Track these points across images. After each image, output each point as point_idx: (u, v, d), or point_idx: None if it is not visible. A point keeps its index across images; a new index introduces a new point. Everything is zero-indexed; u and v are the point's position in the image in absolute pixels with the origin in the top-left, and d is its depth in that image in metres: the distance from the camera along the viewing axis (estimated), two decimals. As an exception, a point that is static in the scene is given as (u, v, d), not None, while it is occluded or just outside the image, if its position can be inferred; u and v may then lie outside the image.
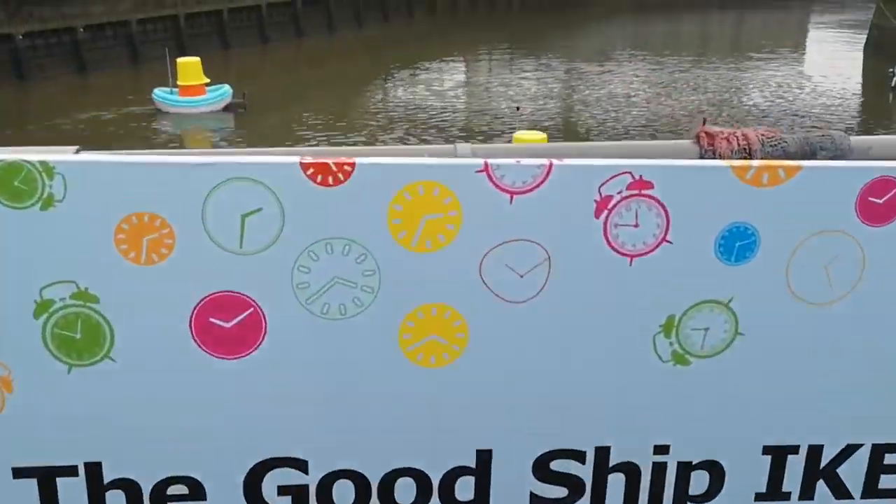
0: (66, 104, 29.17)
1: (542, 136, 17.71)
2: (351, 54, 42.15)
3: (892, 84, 30.31)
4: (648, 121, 26.37)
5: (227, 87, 26.79)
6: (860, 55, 39.57)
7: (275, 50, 42.21)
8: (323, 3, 46.92)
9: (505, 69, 37.66)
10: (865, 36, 41.71)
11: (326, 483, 1.69)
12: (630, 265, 1.60)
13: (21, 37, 32.39)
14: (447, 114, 27.68)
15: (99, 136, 24.91)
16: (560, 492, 1.76)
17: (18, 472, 1.61)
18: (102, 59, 35.22)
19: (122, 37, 36.37)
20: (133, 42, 36.66)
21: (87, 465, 1.62)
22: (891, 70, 31.39)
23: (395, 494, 1.72)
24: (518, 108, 19.82)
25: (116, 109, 27.88)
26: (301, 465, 1.68)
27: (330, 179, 1.50)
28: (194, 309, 1.56)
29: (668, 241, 1.59)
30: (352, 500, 1.71)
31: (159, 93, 26.75)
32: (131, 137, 24.69)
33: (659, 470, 1.75)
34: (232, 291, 1.55)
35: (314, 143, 24.12)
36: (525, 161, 1.55)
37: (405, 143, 23.84)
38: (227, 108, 26.62)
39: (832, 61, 38.08)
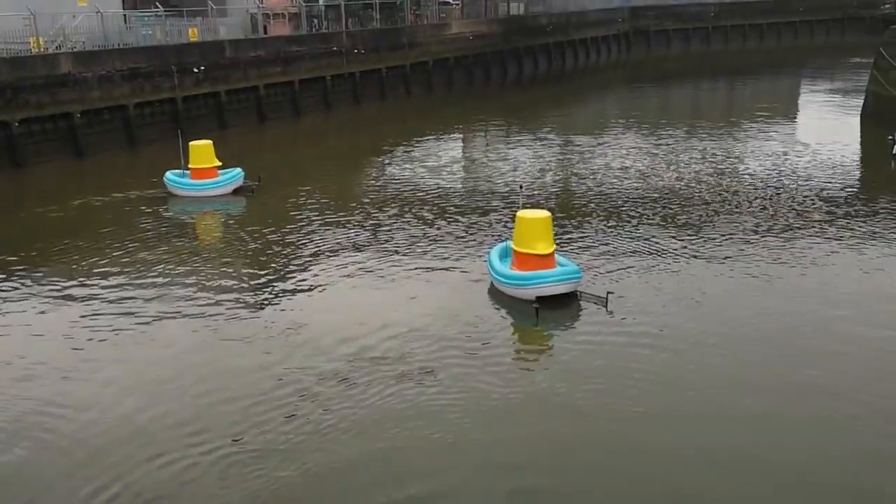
0: (63, 189, 28.66)
1: (546, 214, 17.00)
2: (348, 132, 41.95)
3: (893, 151, 29.91)
4: (645, 192, 25.77)
5: (239, 170, 26.41)
6: (856, 122, 39.35)
7: (273, 129, 42.03)
8: (320, 82, 47.01)
9: (501, 143, 37.38)
10: (860, 103, 41.66)
11: None
12: None
13: (17, 123, 32.11)
14: (443, 191, 27.14)
15: (91, 223, 24.22)
16: None
17: None
18: (98, 143, 34.87)
19: (118, 120, 36.09)
20: (130, 125, 36.39)
21: None
22: (890, 137, 31.04)
23: None
24: (521, 188, 19.32)
25: (115, 194, 27.32)
26: None
27: None
28: None
29: None
30: None
31: (171, 175, 26.25)
32: (126, 224, 23.96)
33: None
34: None
35: (317, 223, 23.40)
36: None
37: (400, 222, 23.10)
38: (235, 191, 26.14)
39: (828, 129, 37.76)
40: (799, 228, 21.60)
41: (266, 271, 19.17)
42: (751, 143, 34.55)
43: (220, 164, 26.36)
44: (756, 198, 24.91)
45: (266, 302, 17.08)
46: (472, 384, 13.04)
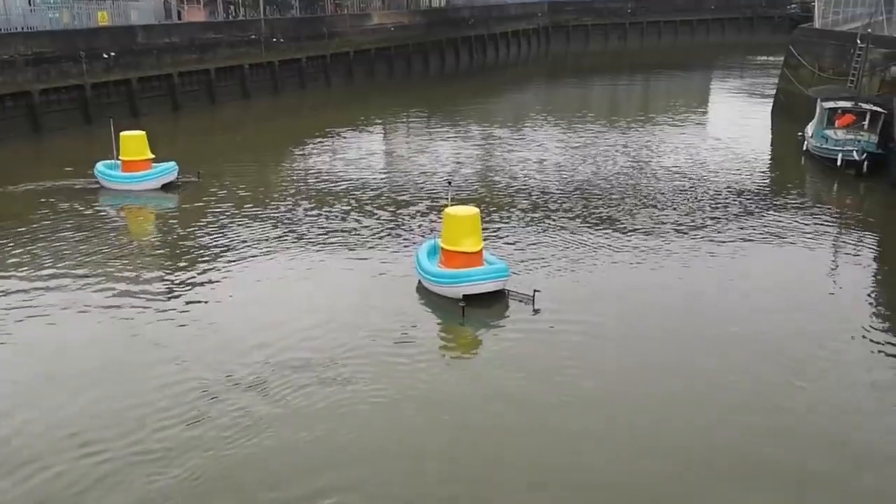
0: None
1: (475, 210, 16.75)
2: (267, 122, 40.95)
3: (804, 147, 30.76)
4: (567, 186, 25.90)
5: (173, 164, 25.20)
6: (767, 118, 40.44)
7: (188, 118, 40.70)
8: (238, 71, 45.74)
9: (423, 136, 37.05)
10: (770, 100, 42.85)
11: None
12: None
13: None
14: (367, 185, 26.71)
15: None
16: None
17: None
18: (1, 130, 33.11)
19: (22, 107, 34.36)
20: (35, 113, 34.69)
21: None
22: (800, 133, 31.96)
23: None
24: (450, 183, 18.98)
25: (26, 184, 25.97)
26: None
27: None
28: None
29: None
30: None
31: (101, 167, 24.98)
32: (37, 217, 22.74)
33: None
34: None
35: (239, 218, 22.53)
36: None
37: (324, 217, 22.52)
38: (164, 186, 24.99)
39: (740, 124, 38.68)
40: (713, 221, 21.92)
41: (184, 267, 18.47)
42: (667, 138, 35.06)
43: (152, 156, 25.14)
44: (672, 191, 25.24)
45: (181, 298, 16.44)
46: (398, 379, 12.81)
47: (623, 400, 12.30)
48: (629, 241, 20.21)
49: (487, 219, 21.21)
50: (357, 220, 22.22)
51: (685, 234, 20.80)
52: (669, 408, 12.02)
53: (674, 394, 12.42)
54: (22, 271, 18.13)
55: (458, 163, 30.39)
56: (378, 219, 22.41)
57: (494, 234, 20.57)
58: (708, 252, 19.30)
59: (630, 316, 15.35)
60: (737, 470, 10.50)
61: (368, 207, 23.59)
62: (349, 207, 23.61)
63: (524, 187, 26.05)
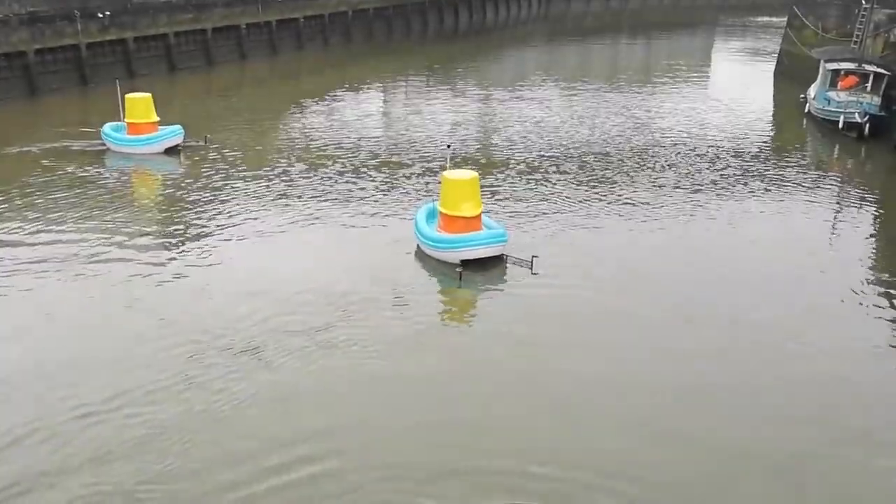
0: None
1: (473, 174, 16.60)
2: (265, 83, 40.50)
3: (806, 109, 30.51)
4: (568, 148, 25.61)
5: (178, 127, 24.80)
6: (768, 79, 40.06)
7: (184, 79, 40.26)
8: (235, 31, 45.14)
9: (422, 97, 36.64)
10: (773, 61, 42.38)
11: None
12: None
13: None
14: (365, 147, 26.32)
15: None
16: None
17: None
18: (-4, 92, 32.74)
19: (18, 68, 33.93)
20: (30, 73, 34.25)
21: None
22: (802, 96, 31.66)
23: None
24: (449, 146, 18.73)
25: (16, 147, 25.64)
26: None
27: None
28: None
29: None
30: None
31: (107, 129, 24.71)
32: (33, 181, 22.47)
33: None
34: None
35: (238, 180, 22.37)
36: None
37: (321, 179, 22.29)
38: (167, 150, 24.59)
39: (742, 86, 38.30)
40: (712, 184, 21.73)
41: (182, 231, 18.26)
42: (667, 99, 34.77)
43: (157, 119, 24.70)
44: (674, 153, 25.01)
45: (178, 261, 16.24)
46: (393, 344, 12.72)
47: (619, 370, 12.17)
48: (629, 203, 20.07)
49: (486, 182, 21.01)
50: (354, 183, 21.97)
51: (685, 196, 20.69)
52: (676, 384, 11.87)
53: (680, 373, 12.21)
54: (17, 233, 17.88)
55: (457, 124, 30.04)
56: (376, 182, 22.15)
57: (493, 197, 20.39)
58: (707, 216, 19.21)
59: (629, 280, 15.25)
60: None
61: (366, 170, 23.30)
62: (346, 170, 23.32)
63: (523, 149, 25.75)
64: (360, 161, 24.36)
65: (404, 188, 21.59)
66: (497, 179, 22.31)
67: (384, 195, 20.94)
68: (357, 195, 20.91)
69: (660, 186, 21.47)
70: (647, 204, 19.97)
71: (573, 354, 12.40)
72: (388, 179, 22.44)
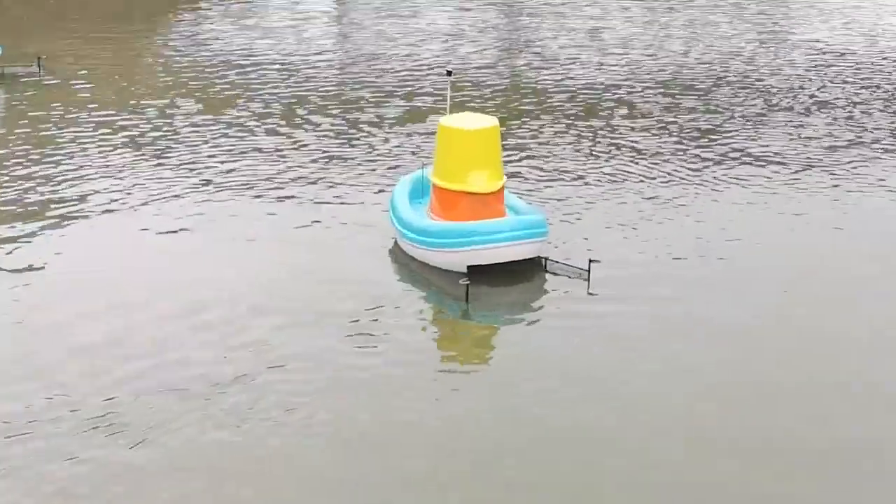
0: None
1: (491, 122, 14.48)
2: None
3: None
4: (633, 79, 22.73)
5: None
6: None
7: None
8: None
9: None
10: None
11: None
12: None
13: None
14: (301, 74, 23.12)
15: None
16: None
17: None
18: None
19: None
20: None
21: None
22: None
23: None
24: (450, 73, 16.24)
25: None
26: None
27: None
28: None
29: None
30: None
31: None
32: None
33: None
34: None
35: (102, 124, 19.37)
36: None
37: (238, 130, 19.39)
38: None
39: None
40: (847, 146, 19.20)
41: (25, 208, 15.76)
42: (804, 12, 31.30)
43: None
44: (795, 95, 22.22)
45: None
46: (353, 410, 10.62)
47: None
48: (731, 174, 17.82)
49: (510, 135, 18.71)
50: (285, 135, 19.15)
51: (815, 167, 18.27)
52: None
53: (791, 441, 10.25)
54: None
55: (460, 36, 26.87)
56: (321, 133, 19.36)
57: (522, 161, 18.01)
58: (836, 198, 16.90)
59: (763, 309, 13.14)
60: None
61: (305, 113, 20.36)
62: (272, 113, 20.41)
63: (572, 80, 23.00)
64: (294, 97, 21.41)
65: (371, 144, 18.91)
66: (529, 130, 19.83)
67: (337, 156, 18.19)
68: (290, 155, 18.26)
69: (802, 142, 19.08)
70: (757, 177, 17.64)
71: (659, 450, 10.11)
72: (342, 129, 19.61)
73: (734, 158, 18.55)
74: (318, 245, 14.61)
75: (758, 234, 15.37)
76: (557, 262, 13.89)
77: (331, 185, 16.86)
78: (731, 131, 19.95)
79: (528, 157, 18.39)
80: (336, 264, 13.97)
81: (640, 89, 22.51)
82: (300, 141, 18.99)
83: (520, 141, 19.12)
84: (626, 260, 14.15)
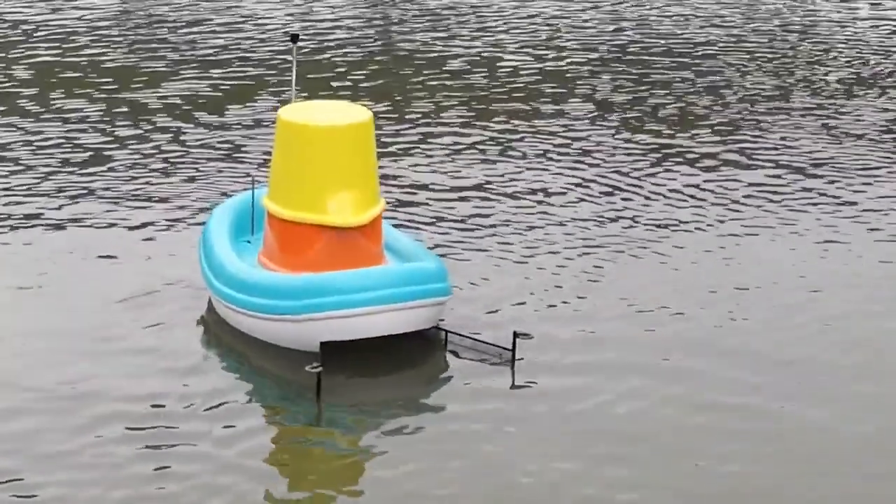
0: None
1: (365, 114, 11.25)
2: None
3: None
4: (578, 48, 18.86)
5: None
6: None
7: None
8: None
9: None
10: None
11: None
12: None
13: None
14: (82, 42, 18.66)
15: None
16: None
17: None
18: None
19: None
20: None
21: None
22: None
23: None
24: (294, 39, 12.90)
25: None
26: None
27: None
28: None
29: None
30: None
31: None
32: None
33: None
34: None
35: None
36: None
37: None
38: None
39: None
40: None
41: None
42: None
43: None
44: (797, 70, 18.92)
45: None
46: None
47: None
48: (714, 180, 15.22)
49: (388, 136, 15.51)
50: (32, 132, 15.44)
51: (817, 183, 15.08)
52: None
53: None
54: None
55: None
56: (85, 129, 15.58)
57: (401, 176, 14.78)
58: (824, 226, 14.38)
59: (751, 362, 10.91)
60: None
61: (63, 99, 16.52)
62: (24, 98, 16.51)
63: (470, 53, 19.53)
64: (45, 70, 17.72)
65: (169, 150, 15.17)
66: (415, 126, 16.53)
67: (129, 175, 14.39)
68: (37, 157, 14.58)
69: (770, 160, 16.12)
70: (757, 184, 14.93)
71: None
72: (134, 132, 15.67)
73: (693, 169, 15.44)
74: (94, 307, 10.71)
75: (718, 279, 12.08)
76: (464, 335, 10.58)
77: (111, 213, 12.86)
78: (694, 130, 16.92)
79: (415, 168, 14.88)
80: (121, 335, 10.19)
81: (577, 66, 19.11)
82: (49, 137, 15.28)
83: (403, 142, 15.61)
84: (559, 326, 10.65)
